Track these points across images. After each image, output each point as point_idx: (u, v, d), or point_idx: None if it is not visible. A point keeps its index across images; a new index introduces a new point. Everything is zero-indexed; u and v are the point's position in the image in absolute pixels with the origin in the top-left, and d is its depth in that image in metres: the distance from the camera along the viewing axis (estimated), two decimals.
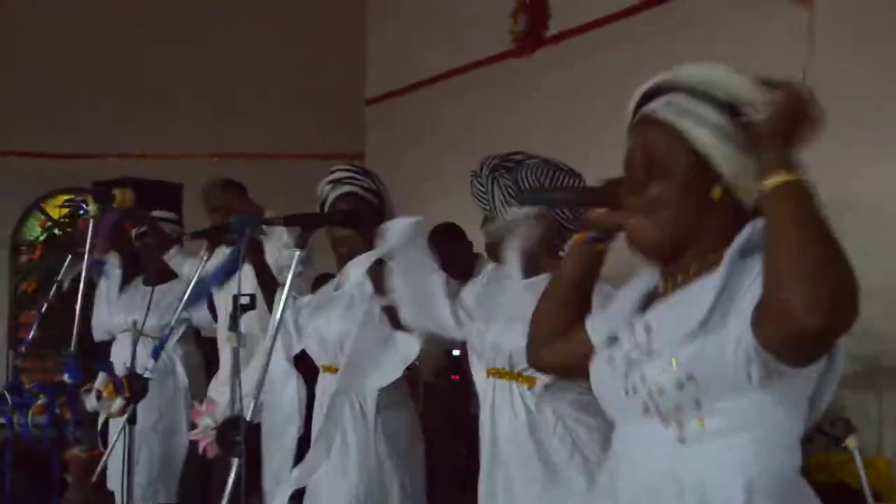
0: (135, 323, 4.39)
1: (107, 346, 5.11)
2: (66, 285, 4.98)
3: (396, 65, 8.70)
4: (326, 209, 3.15)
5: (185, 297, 3.29)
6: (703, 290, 1.47)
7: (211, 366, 4.90)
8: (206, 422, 3.63)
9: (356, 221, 2.98)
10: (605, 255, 1.85)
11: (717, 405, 1.45)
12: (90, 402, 4.18)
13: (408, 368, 3.12)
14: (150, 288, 4.95)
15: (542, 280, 2.52)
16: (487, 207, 2.73)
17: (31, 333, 4.98)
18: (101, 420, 4.70)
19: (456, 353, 4.84)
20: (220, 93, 8.77)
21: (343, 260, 3.15)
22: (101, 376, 3.77)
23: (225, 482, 3.59)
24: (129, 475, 3.26)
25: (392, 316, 2.98)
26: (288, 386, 3.30)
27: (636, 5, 5.89)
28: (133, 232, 5.02)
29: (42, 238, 8.19)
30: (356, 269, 3.01)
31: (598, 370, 1.65)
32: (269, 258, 3.35)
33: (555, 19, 6.78)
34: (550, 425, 2.52)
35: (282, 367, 3.23)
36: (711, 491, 1.45)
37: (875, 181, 4.31)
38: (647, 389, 1.49)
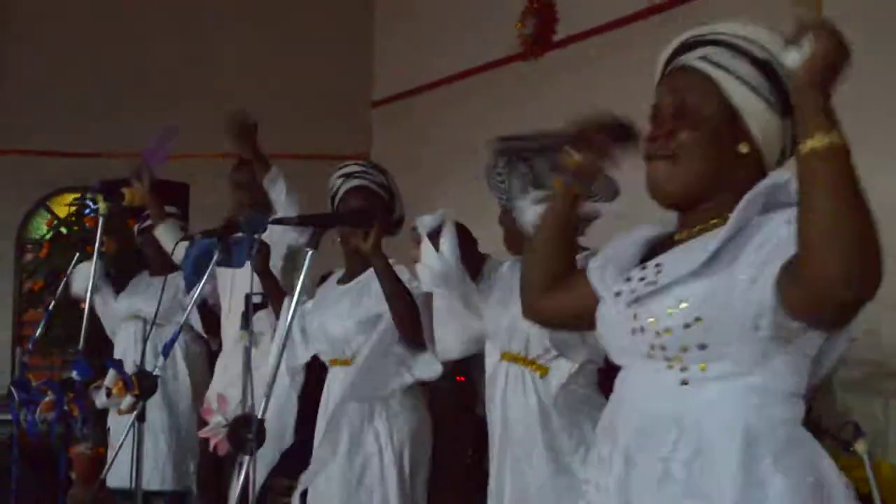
0: (144, 321, 4.42)
1: (110, 343, 5.11)
2: (73, 284, 5.00)
3: (403, 68, 8.71)
4: (338, 202, 3.15)
5: (195, 293, 3.31)
6: (711, 237, 1.47)
7: (211, 355, 4.94)
8: (218, 419, 3.63)
9: (367, 223, 2.97)
10: (582, 198, 1.83)
11: (721, 349, 1.45)
12: (100, 399, 4.20)
13: None
14: (154, 279, 5.00)
15: None
16: (504, 194, 2.70)
17: (38, 331, 4.99)
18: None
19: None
20: (227, 94, 8.75)
21: (350, 255, 3.15)
22: (111, 373, 3.79)
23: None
24: (138, 472, 3.26)
25: (405, 327, 2.95)
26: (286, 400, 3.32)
27: (642, 10, 5.91)
28: (136, 227, 5.06)
29: (49, 236, 8.19)
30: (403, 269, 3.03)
31: (606, 312, 1.63)
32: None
33: (562, 23, 6.79)
34: (562, 419, 2.54)
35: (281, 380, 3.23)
36: (709, 434, 1.45)
37: (880, 188, 4.31)
38: (655, 329, 1.49)
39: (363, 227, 2.93)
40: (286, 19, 8.90)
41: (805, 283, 1.29)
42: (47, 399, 3.95)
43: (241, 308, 3.57)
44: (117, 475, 4.18)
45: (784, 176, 1.45)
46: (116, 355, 4.81)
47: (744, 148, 1.53)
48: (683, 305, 1.45)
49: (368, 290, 3.07)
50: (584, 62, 6.46)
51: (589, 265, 1.73)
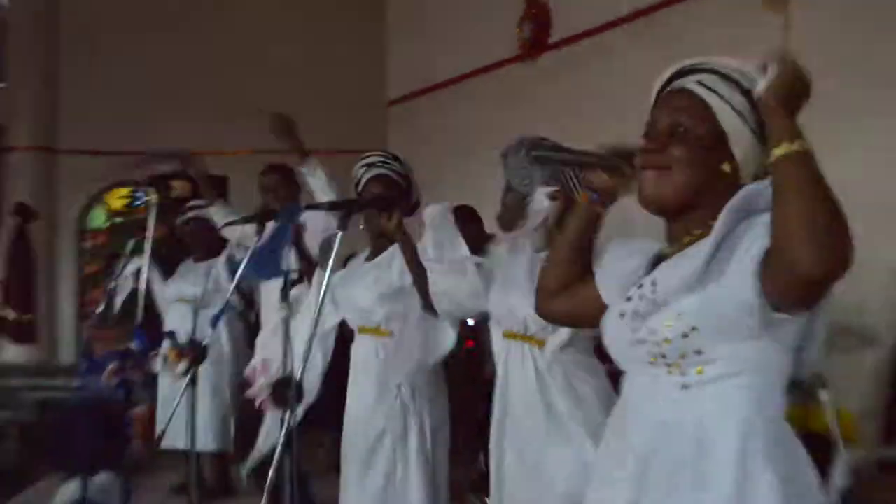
0: (195, 297, 4.46)
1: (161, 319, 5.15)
2: (128, 266, 5.05)
3: (415, 70, 8.67)
4: (361, 188, 3.14)
5: (238, 275, 3.34)
6: (702, 246, 1.48)
7: (250, 330, 4.99)
8: (262, 381, 3.65)
9: (389, 207, 2.98)
10: (603, 217, 1.83)
11: (716, 353, 1.45)
12: (157, 366, 4.26)
13: None
14: (198, 265, 5.03)
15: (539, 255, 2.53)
16: (526, 183, 2.63)
17: (100, 308, 5.05)
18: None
19: (470, 322, 4.86)
20: (260, 97, 8.78)
21: (374, 235, 3.15)
22: (167, 344, 3.85)
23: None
24: (193, 430, 3.32)
25: (422, 294, 2.95)
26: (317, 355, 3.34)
27: (629, 15, 5.85)
28: (178, 220, 5.10)
29: (106, 225, 8.26)
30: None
31: (610, 324, 1.64)
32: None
33: (556, 28, 6.75)
34: (558, 383, 2.51)
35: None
36: (710, 431, 1.46)
37: (849, 171, 4.30)
38: (655, 340, 1.49)
39: (386, 210, 2.95)
40: (312, 33, 8.92)
41: (784, 267, 1.31)
42: (111, 367, 4.02)
43: (278, 283, 3.61)
44: (168, 437, 4.23)
45: (762, 183, 1.45)
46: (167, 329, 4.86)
47: (727, 167, 1.53)
48: (680, 318, 1.46)
49: (390, 267, 3.06)
50: (576, 62, 6.44)
51: (598, 279, 1.74)
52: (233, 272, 3.05)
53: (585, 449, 2.39)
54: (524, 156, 2.59)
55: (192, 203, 5.07)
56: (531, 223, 2.59)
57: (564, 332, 2.48)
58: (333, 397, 3.39)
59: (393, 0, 9.28)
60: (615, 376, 1.97)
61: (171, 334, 3.91)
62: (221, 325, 4.80)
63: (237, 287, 3.44)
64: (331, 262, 2.52)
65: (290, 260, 3.01)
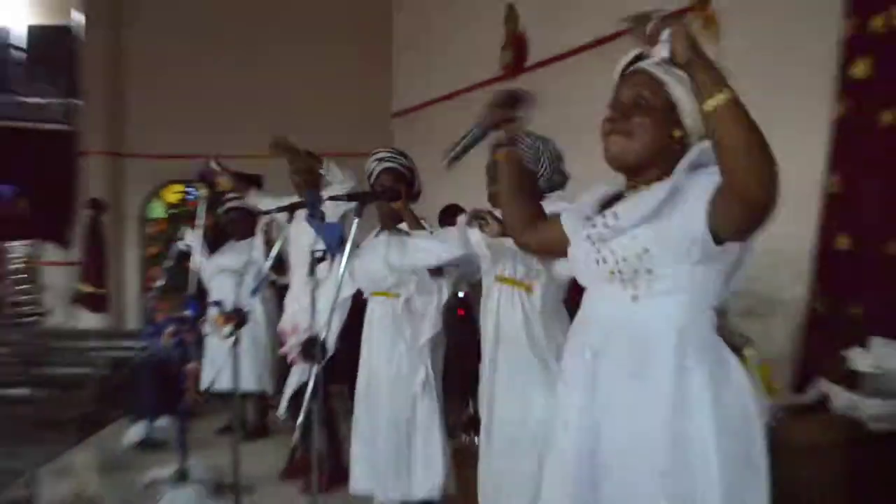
0: (238, 269, 4.46)
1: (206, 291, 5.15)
2: (183, 247, 5.04)
3: (415, 87, 8.66)
4: (374, 178, 3.13)
5: (272, 255, 3.34)
6: (659, 189, 1.50)
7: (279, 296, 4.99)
8: (293, 341, 3.66)
9: (397, 196, 2.98)
10: (518, 155, 1.90)
11: (662, 272, 1.48)
12: (207, 329, 4.27)
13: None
14: (238, 244, 5.04)
15: None
16: (541, 164, 2.59)
17: (159, 283, 5.05)
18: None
19: (461, 294, 4.86)
20: (287, 108, 8.79)
21: (384, 218, 3.16)
22: (215, 310, 3.85)
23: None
24: (236, 379, 3.33)
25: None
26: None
27: (592, 42, 5.85)
28: (219, 210, 5.10)
29: (164, 215, 8.26)
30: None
31: (577, 248, 1.65)
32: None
33: (531, 53, 6.75)
34: (539, 323, 2.49)
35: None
36: (653, 333, 1.49)
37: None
38: (615, 259, 1.51)
39: (395, 199, 2.97)
40: (331, 56, 8.87)
41: (736, 196, 1.33)
42: (169, 330, 4.02)
43: (305, 259, 3.62)
44: (220, 382, 4.27)
45: (706, 143, 1.47)
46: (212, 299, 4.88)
47: (677, 132, 1.55)
48: (635, 240, 1.48)
49: (398, 244, 3.05)
50: (548, 82, 6.42)
51: (562, 215, 1.74)
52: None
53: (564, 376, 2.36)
54: (535, 142, 2.55)
55: (228, 196, 5.08)
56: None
57: (544, 277, 2.47)
58: (346, 354, 3.40)
59: (397, 29, 9.26)
60: None
61: (218, 302, 3.91)
62: (257, 294, 4.82)
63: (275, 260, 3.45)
64: (349, 244, 2.50)
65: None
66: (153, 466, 4.31)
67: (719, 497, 1.42)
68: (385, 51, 9.27)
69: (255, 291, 3.38)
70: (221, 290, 4.86)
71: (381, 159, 3.14)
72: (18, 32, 10.28)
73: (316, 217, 2.86)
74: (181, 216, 8.06)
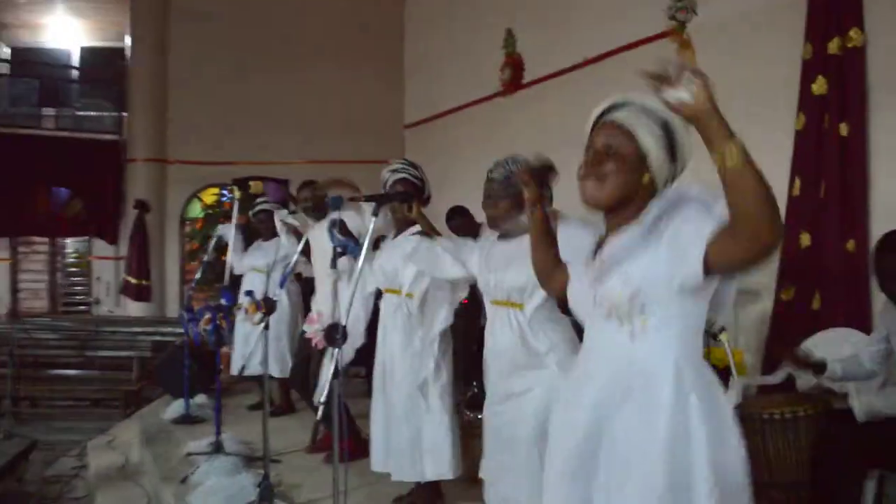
0: (266, 265, 4.45)
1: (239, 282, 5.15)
2: (219, 241, 5.04)
3: (424, 102, 8.64)
4: (388, 188, 3.09)
5: (298, 250, 3.33)
6: (633, 232, 1.48)
7: (303, 288, 4.99)
8: (316, 327, 3.64)
9: (409, 199, 2.97)
10: (543, 217, 1.83)
11: (655, 308, 1.45)
12: (240, 316, 4.25)
13: None
14: (266, 243, 5.04)
15: (517, 241, 2.43)
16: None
17: (197, 275, 5.05)
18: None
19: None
20: (311, 120, 8.81)
21: (399, 222, 3.12)
22: (247, 299, 3.83)
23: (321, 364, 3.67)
24: (266, 362, 3.32)
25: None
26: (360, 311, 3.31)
27: (582, 62, 5.84)
28: (250, 213, 5.08)
29: (202, 215, 8.26)
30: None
31: (575, 290, 1.65)
32: (350, 224, 3.31)
33: (528, 72, 6.73)
34: (536, 333, 2.40)
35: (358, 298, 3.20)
36: (652, 367, 1.45)
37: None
38: (609, 300, 1.49)
39: (407, 202, 2.95)
40: (348, 72, 8.85)
41: (747, 239, 1.29)
42: (206, 317, 4.01)
43: (326, 255, 3.59)
44: (250, 366, 4.26)
45: (682, 189, 1.45)
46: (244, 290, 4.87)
47: (646, 178, 1.52)
48: (627, 283, 1.45)
49: (428, 253, 2.89)
50: (542, 97, 6.43)
51: (568, 263, 1.74)
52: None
53: (554, 374, 2.32)
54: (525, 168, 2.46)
55: (258, 199, 5.07)
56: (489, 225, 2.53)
57: (538, 297, 2.38)
58: (367, 344, 3.38)
59: (408, 51, 9.25)
60: (577, 325, 1.94)
61: (250, 293, 3.89)
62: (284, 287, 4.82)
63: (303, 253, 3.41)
64: (367, 240, 2.48)
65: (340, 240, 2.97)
66: (191, 439, 4.33)
67: None
68: (398, 70, 9.25)
69: (282, 283, 3.37)
70: (252, 283, 4.86)
71: (394, 170, 3.11)
72: (76, 54, 10.32)
73: (336, 228, 2.82)
74: (216, 215, 8.07)
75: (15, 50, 10.47)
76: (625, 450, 1.45)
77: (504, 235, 2.51)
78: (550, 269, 1.84)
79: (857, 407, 2.70)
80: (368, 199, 2.63)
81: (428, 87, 8.59)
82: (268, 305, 3.13)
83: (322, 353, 3.66)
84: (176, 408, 5.13)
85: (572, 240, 1.77)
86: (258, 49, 8.67)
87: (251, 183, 4.31)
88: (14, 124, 9.16)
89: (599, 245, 1.61)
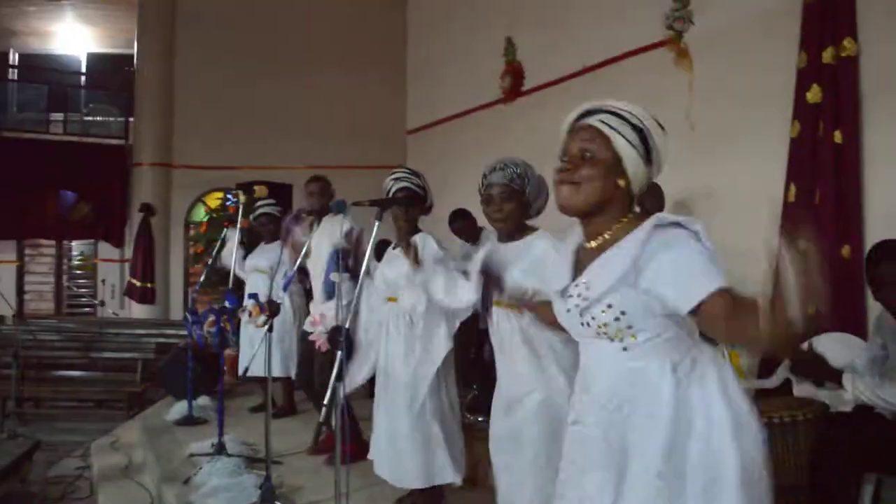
0: (270, 267, 4.42)
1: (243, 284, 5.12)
2: (223, 246, 5.02)
3: (426, 108, 8.65)
4: (391, 195, 3.06)
5: (301, 254, 3.32)
6: (618, 258, 1.46)
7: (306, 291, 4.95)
8: (320, 329, 3.62)
9: (411, 204, 2.95)
10: (538, 309, 1.92)
11: (641, 325, 1.45)
12: (244, 318, 4.24)
13: None
14: (268, 245, 5.02)
15: (517, 243, 2.42)
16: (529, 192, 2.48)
17: (201, 278, 5.03)
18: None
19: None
20: (315, 126, 8.82)
21: (401, 229, 3.09)
22: (251, 301, 3.81)
23: (324, 365, 3.63)
24: (270, 363, 3.30)
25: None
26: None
27: (580, 71, 5.85)
28: (251, 217, 5.06)
29: (206, 219, 8.25)
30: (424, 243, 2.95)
31: (561, 313, 1.60)
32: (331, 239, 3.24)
33: (527, 79, 6.74)
34: (538, 336, 2.37)
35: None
36: (650, 375, 1.46)
37: (728, 177, 4.32)
38: (597, 324, 1.48)
39: (407, 206, 2.92)
40: (351, 79, 8.88)
41: (724, 337, 1.44)
42: (210, 319, 3.98)
43: (323, 266, 3.56)
44: (254, 368, 4.22)
45: (663, 218, 1.45)
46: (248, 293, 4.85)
47: (622, 183, 1.50)
48: (611, 309, 1.45)
49: (447, 279, 2.78)
50: (542, 105, 6.43)
51: (551, 295, 1.69)
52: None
53: (555, 375, 2.32)
54: (524, 171, 2.44)
55: (260, 203, 5.05)
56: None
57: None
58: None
59: (411, 58, 9.27)
60: None
61: (254, 295, 3.87)
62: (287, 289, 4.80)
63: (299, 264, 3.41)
64: (370, 244, 2.46)
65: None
66: (193, 441, 4.30)
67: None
68: (400, 77, 9.26)
69: (286, 286, 3.36)
70: (256, 285, 4.84)
71: (397, 178, 3.09)
72: (84, 60, 10.34)
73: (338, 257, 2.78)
74: (220, 219, 8.05)
75: (24, 56, 10.51)
76: (635, 449, 1.46)
77: (505, 238, 2.50)
78: (552, 321, 1.81)
79: (850, 390, 2.67)
80: (373, 203, 2.61)
81: (430, 93, 8.60)
82: (271, 308, 3.11)
83: (325, 354, 3.64)
84: (179, 409, 5.10)
85: (554, 264, 1.72)
86: (262, 55, 8.69)
87: (256, 187, 4.29)
88: (23, 129, 9.20)
89: (577, 256, 1.59)
